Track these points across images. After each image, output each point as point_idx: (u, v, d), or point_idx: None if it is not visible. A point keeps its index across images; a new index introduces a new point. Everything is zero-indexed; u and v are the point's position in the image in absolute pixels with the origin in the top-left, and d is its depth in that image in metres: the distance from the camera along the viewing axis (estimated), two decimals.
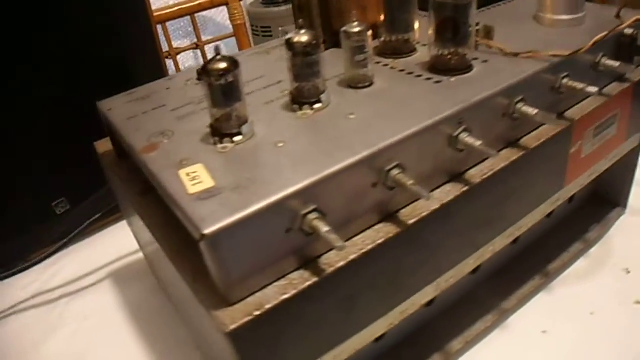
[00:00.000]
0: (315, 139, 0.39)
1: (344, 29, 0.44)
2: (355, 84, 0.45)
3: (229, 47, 1.05)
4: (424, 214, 0.40)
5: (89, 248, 0.66)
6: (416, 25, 0.49)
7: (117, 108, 0.49)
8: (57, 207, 0.66)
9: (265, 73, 0.50)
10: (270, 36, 0.93)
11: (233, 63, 0.38)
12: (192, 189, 0.35)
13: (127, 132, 0.44)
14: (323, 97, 0.42)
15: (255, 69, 0.51)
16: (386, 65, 0.48)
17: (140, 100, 0.49)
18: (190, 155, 0.39)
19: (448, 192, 0.42)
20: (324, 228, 0.35)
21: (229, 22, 1.00)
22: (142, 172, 0.43)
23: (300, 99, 0.42)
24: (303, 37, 0.41)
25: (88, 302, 0.63)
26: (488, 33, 0.49)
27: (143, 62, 0.67)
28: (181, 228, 0.36)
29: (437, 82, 0.45)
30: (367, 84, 0.45)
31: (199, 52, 1.05)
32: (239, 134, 0.39)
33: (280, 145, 0.39)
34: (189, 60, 1.16)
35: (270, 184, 0.35)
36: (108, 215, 0.63)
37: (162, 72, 0.69)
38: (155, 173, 0.38)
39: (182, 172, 0.37)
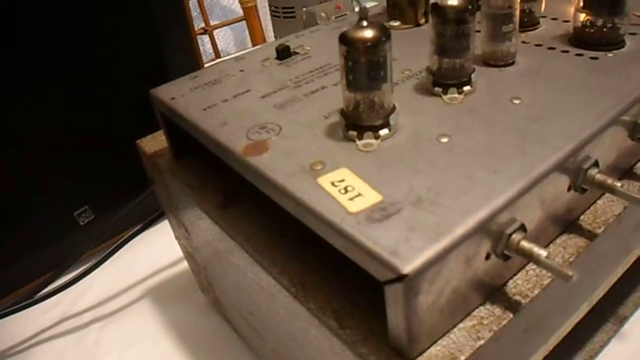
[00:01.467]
0: (487, 130, 0.28)
1: None
2: (495, 60, 0.34)
3: (236, 32, 0.92)
4: (610, 220, 0.30)
5: (118, 260, 0.52)
6: None
7: (183, 96, 0.36)
8: (79, 216, 0.52)
9: None
10: (293, 17, 0.80)
11: (384, 31, 0.26)
12: (352, 205, 0.24)
13: (211, 128, 0.32)
14: (473, 77, 0.31)
15: None
16: None
17: (211, 85, 0.37)
18: (320, 156, 0.27)
19: None
20: (541, 252, 0.23)
21: (236, 4, 0.86)
22: (226, 179, 0.32)
23: (445, 80, 0.31)
24: (455, 0, 0.29)
25: (126, 327, 0.50)
26: None
27: (174, 46, 0.54)
28: (300, 256, 0.24)
29: (593, 58, 0.34)
30: (510, 61, 0.34)
31: (206, 37, 0.91)
32: (386, 125, 0.28)
33: (444, 140, 0.27)
34: None
35: (467, 194, 0.23)
36: (145, 226, 0.50)
37: (195, 56, 0.56)
38: (282, 183, 0.26)
39: (324, 181, 0.25)
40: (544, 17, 0.40)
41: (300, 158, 0.27)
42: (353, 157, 0.27)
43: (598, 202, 0.31)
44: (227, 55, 0.94)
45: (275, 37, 0.87)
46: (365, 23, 0.26)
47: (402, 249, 0.21)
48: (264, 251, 0.30)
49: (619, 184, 0.27)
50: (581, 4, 0.35)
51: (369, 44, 0.26)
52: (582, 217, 0.30)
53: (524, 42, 0.37)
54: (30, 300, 0.47)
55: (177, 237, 0.47)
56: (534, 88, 0.31)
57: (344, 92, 0.28)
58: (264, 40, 0.96)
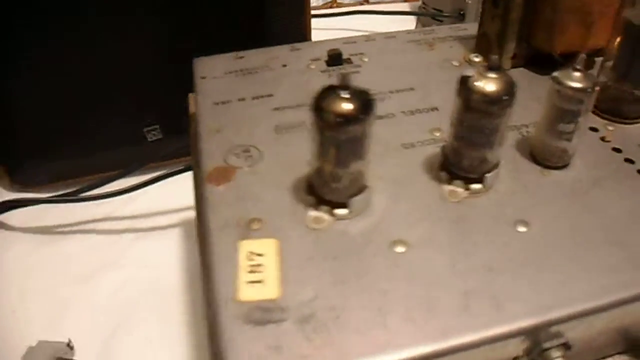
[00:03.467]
0: (454, 257, 0.23)
1: (556, 73, 0.26)
2: (543, 157, 0.27)
3: None
4: None
5: (170, 182, 0.55)
6: None
7: (212, 79, 0.35)
8: (149, 133, 0.55)
9: (418, 84, 0.33)
10: None
11: (365, 106, 0.22)
12: (245, 292, 0.22)
13: (206, 130, 0.31)
14: (489, 177, 0.26)
15: (405, 72, 0.34)
16: (595, 129, 0.30)
17: (245, 74, 0.35)
18: (267, 213, 0.25)
19: None
20: None
21: None
22: None
23: (454, 169, 0.26)
24: (492, 85, 0.23)
25: (152, 248, 0.53)
26: None
27: None
28: None
29: None
30: (560, 164, 0.27)
31: None
32: (346, 205, 0.25)
33: (400, 250, 0.23)
34: None
35: (363, 334, 0.20)
36: None
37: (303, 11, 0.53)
38: (210, 231, 0.24)
39: (244, 248, 0.24)
40: None
41: (247, 206, 0.25)
42: (294, 229, 0.24)
43: None
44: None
45: None
46: (346, 94, 0.22)
47: None
48: None
49: None
50: None
51: (340, 120, 0.22)
52: None
53: (603, 139, 0.29)
54: (83, 196, 0.52)
55: None
56: (558, 217, 0.25)
57: (313, 157, 0.24)
58: None
